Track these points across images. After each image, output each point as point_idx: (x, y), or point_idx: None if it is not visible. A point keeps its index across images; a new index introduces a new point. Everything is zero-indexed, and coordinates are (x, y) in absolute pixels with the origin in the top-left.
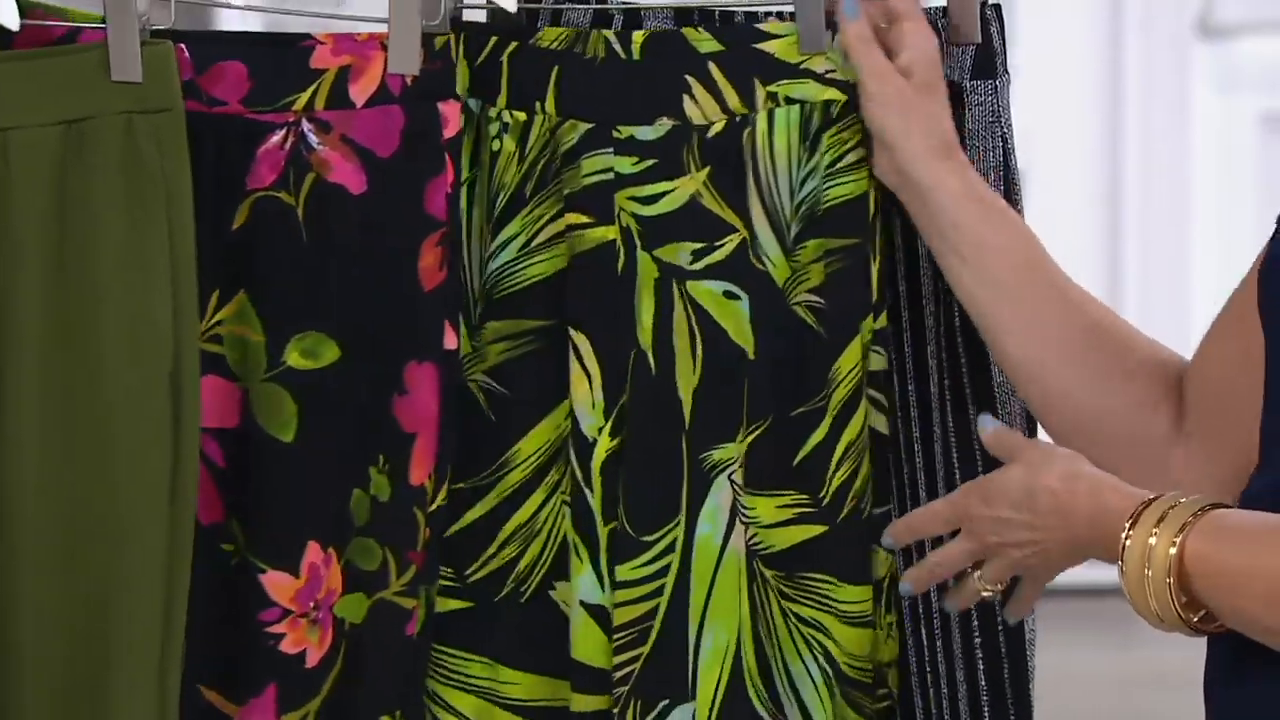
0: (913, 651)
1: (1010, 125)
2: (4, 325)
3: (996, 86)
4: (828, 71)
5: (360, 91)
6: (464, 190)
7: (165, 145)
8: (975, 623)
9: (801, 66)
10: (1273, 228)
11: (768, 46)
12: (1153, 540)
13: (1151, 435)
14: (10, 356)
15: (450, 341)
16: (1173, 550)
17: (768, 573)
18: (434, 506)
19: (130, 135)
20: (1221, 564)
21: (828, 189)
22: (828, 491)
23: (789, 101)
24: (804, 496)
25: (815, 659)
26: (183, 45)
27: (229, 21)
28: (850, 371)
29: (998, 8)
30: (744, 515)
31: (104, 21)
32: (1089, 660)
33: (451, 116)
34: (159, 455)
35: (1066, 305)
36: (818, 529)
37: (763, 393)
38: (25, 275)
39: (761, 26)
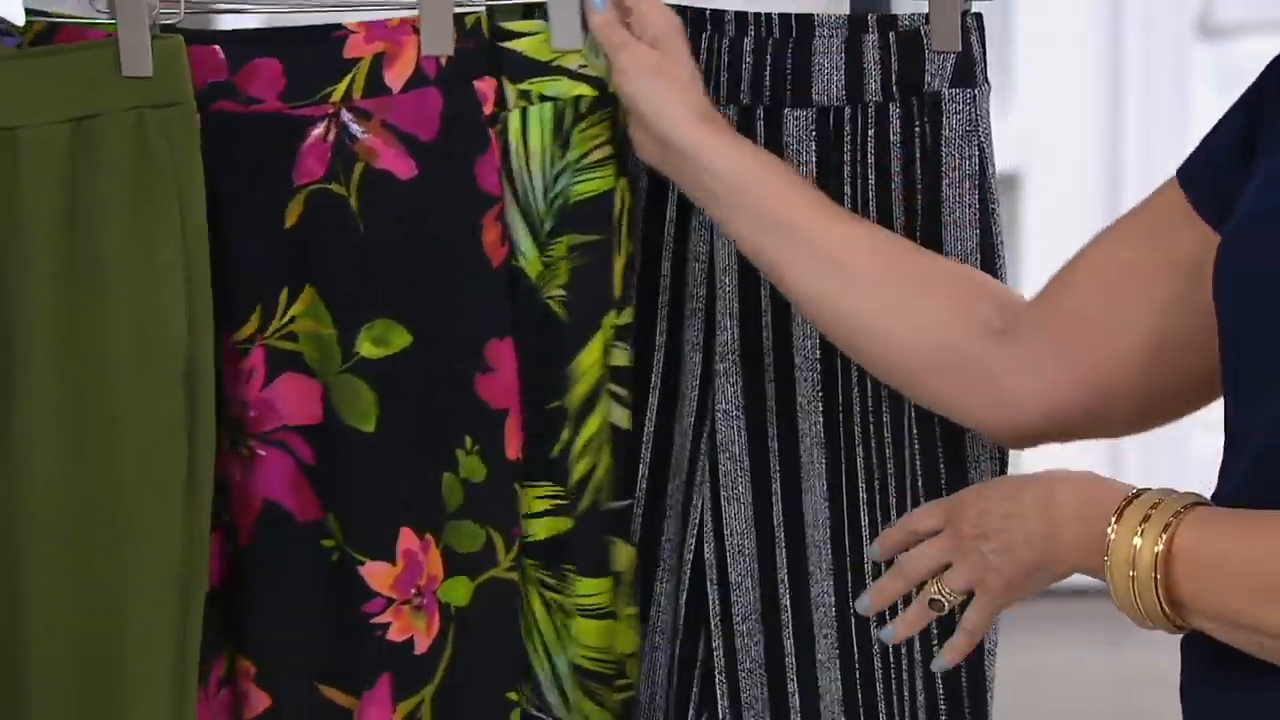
0: (859, 665)
1: (989, 134)
2: (15, 323)
3: (975, 95)
4: (580, 67)
5: (396, 77)
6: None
7: (176, 140)
8: (934, 632)
9: (554, 64)
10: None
11: (516, 45)
12: (1137, 541)
13: (968, 342)
14: (21, 355)
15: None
16: (1158, 549)
17: (529, 563)
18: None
19: (141, 130)
20: (1206, 560)
21: (576, 184)
22: (572, 485)
23: (543, 99)
24: (559, 489)
25: (567, 649)
26: (217, 46)
27: (227, 19)
28: (591, 367)
29: (979, 16)
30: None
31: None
32: (1089, 660)
33: (489, 93)
34: (171, 454)
35: (845, 231)
36: (569, 521)
37: (523, 387)
38: (36, 273)
39: (508, 25)
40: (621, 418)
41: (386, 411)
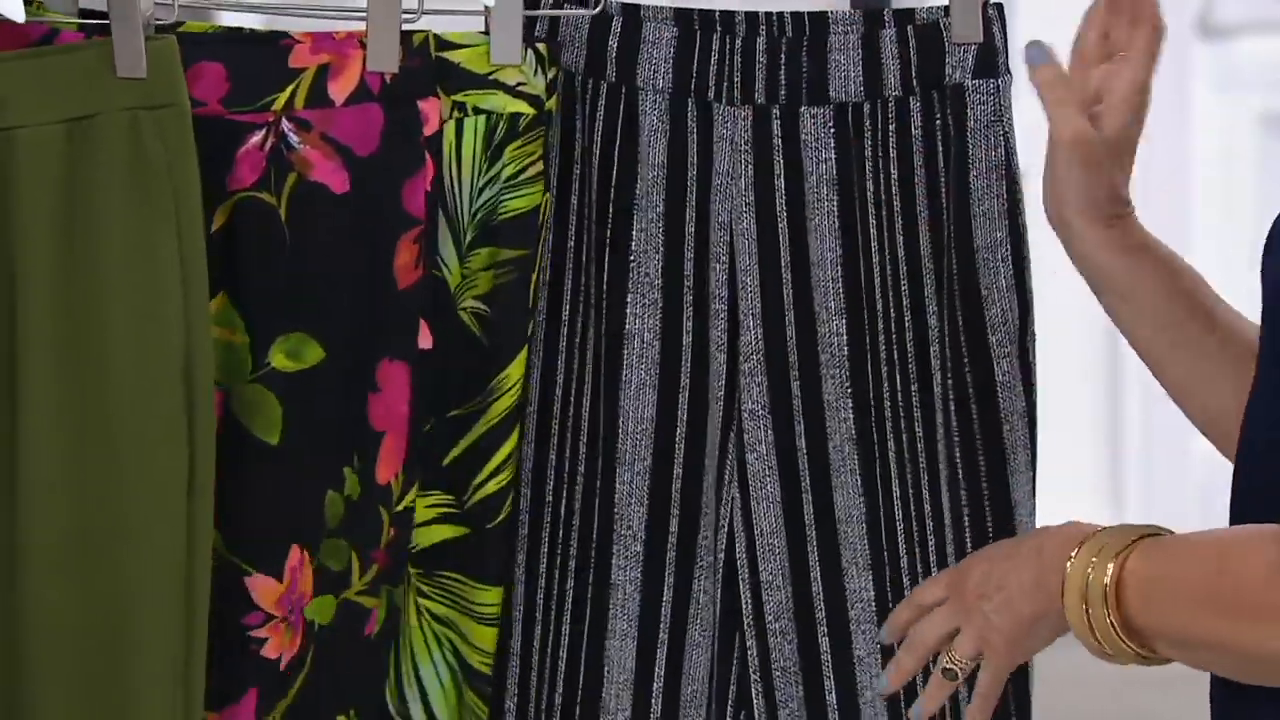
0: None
1: (1011, 123)
2: (14, 325)
3: (999, 85)
4: (519, 84)
5: (339, 90)
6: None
7: (171, 141)
8: None
9: (491, 77)
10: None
11: (454, 56)
12: (1090, 572)
13: None
14: (20, 355)
15: (425, 341)
16: (1106, 579)
17: (411, 571)
18: (401, 506)
19: (136, 131)
20: (1155, 583)
21: (506, 200)
22: (472, 496)
23: (477, 111)
24: (449, 497)
25: (444, 656)
26: None
27: (226, 19)
28: (516, 381)
29: (999, 7)
30: None
31: (78, 23)
32: (1089, 660)
33: (432, 114)
34: (171, 452)
35: (1218, 334)
36: (459, 530)
37: (428, 394)
38: (33, 274)
39: (448, 36)
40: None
41: (291, 425)
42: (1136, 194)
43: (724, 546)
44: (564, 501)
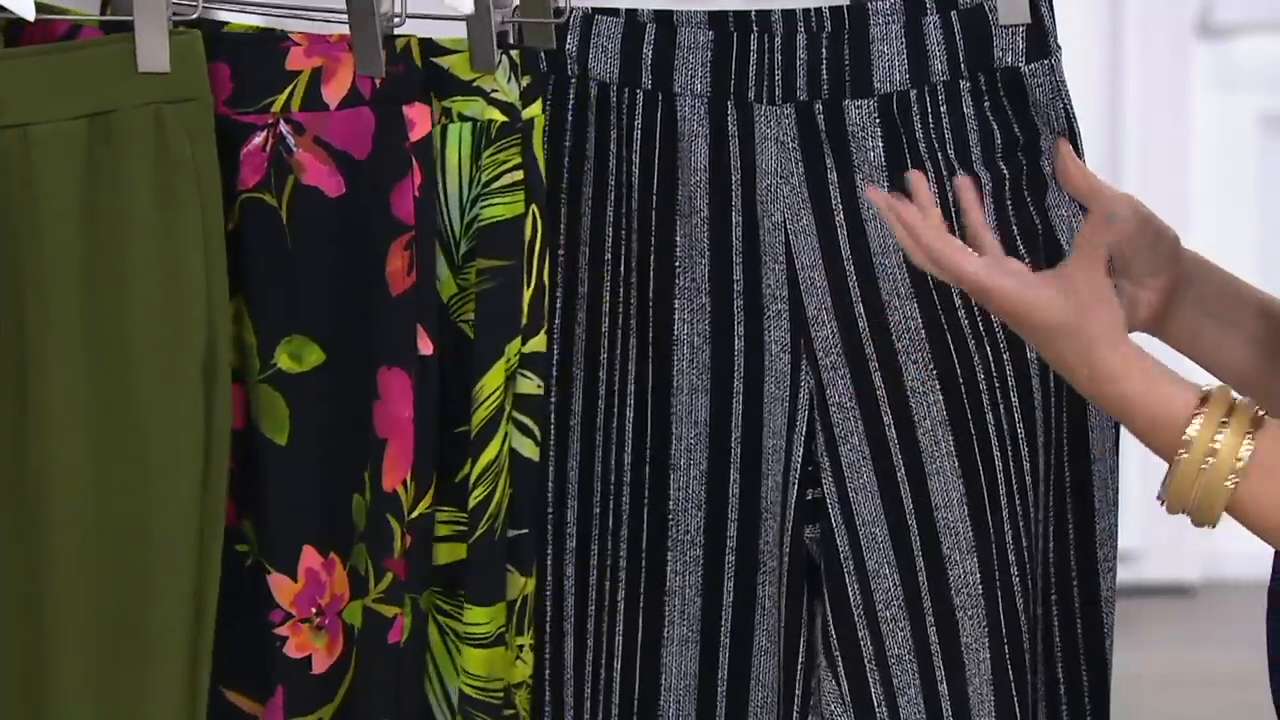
0: (1009, 643)
1: (1069, 95)
2: (36, 322)
3: (1053, 65)
4: (493, 91)
5: (333, 93)
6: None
7: (195, 135)
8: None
9: (474, 84)
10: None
11: (444, 61)
12: (1219, 438)
13: None
14: (45, 351)
15: (425, 347)
16: (1242, 455)
17: (431, 589)
18: (415, 513)
19: (160, 126)
20: (1273, 468)
21: (484, 208)
22: (469, 511)
23: (462, 118)
24: (463, 515)
25: (457, 676)
26: None
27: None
28: (492, 394)
29: None
30: None
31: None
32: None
33: (419, 119)
34: (190, 447)
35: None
36: (463, 549)
37: (434, 403)
38: (55, 271)
39: (440, 40)
40: (525, 447)
41: (298, 426)
42: (1138, 192)
43: (789, 548)
44: (611, 512)
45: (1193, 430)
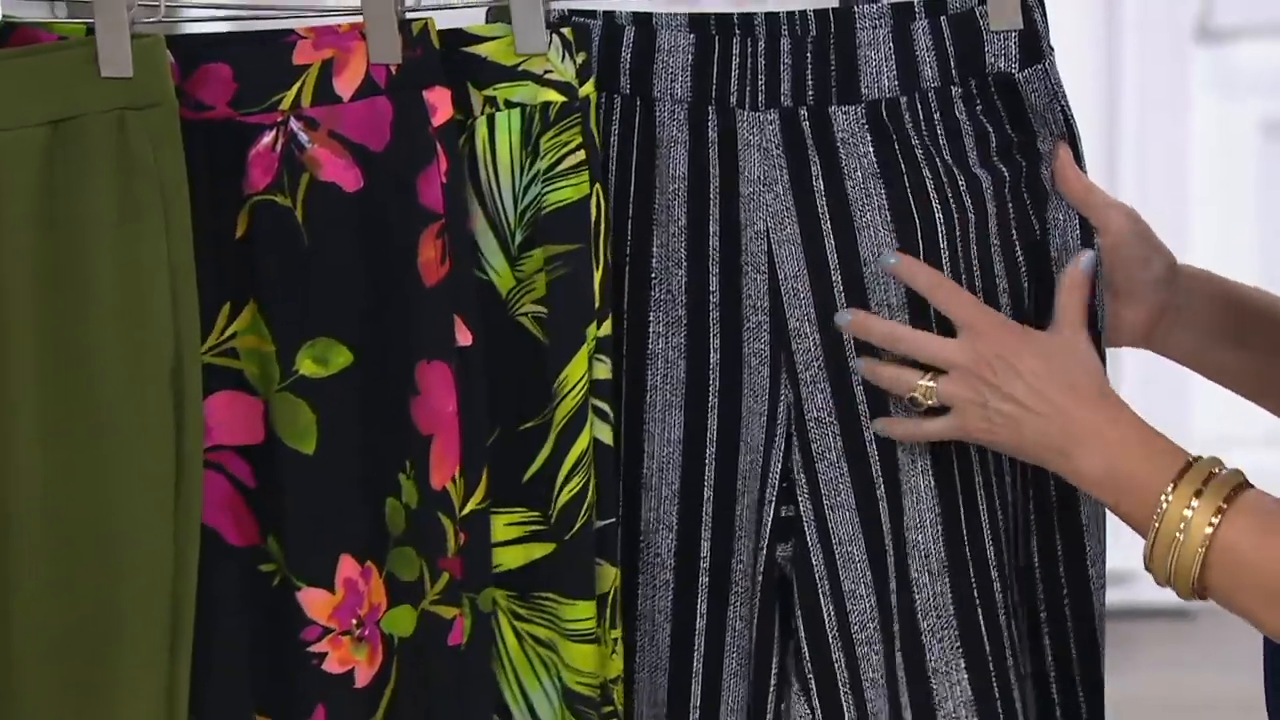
0: (992, 658)
1: (1066, 96)
2: None
3: (1046, 69)
4: (546, 72)
5: (345, 85)
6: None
7: (159, 141)
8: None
9: (520, 69)
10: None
11: (479, 49)
12: (1188, 512)
13: None
14: (5, 360)
15: (464, 338)
16: (1208, 530)
17: (498, 594)
18: (467, 510)
19: (122, 132)
20: (1236, 554)
21: (547, 194)
22: (555, 508)
23: (509, 105)
24: (535, 514)
25: (551, 679)
26: (167, 50)
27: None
28: (578, 382)
29: None
30: None
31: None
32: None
33: (439, 103)
34: (158, 456)
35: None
36: (548, 546)
37: (483, 396)
38: (16, 276)
39: (470, 29)
40: (605, 434)
41: (326, 433)
42: (1135, 199)
43: (763, 566)
44: None
45: (1165, 501)
